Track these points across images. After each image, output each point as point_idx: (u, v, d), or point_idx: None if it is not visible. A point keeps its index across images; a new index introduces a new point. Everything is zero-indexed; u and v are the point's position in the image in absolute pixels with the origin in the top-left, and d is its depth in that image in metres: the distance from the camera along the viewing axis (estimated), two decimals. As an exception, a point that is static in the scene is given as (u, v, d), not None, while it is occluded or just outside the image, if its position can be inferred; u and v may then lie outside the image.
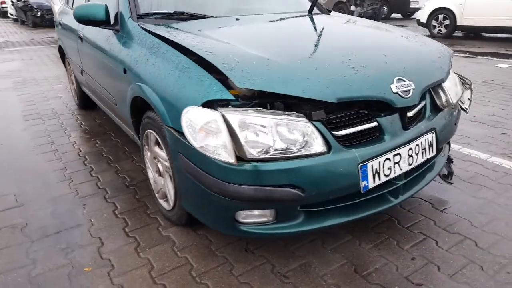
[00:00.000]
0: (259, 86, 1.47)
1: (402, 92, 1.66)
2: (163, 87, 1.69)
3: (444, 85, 1.94)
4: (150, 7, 2.34)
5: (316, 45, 1.88)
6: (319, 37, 2.03)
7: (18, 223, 2.13)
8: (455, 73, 2.30)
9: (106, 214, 2.18)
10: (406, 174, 1.77)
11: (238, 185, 1.43)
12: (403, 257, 1.79)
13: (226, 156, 1.38)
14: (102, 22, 2.31)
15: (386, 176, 1.63)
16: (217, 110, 1.40)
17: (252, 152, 1.40)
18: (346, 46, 1.88)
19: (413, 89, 1.70)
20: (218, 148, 1.38)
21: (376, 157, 1.58)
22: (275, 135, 1.45)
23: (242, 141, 1.39)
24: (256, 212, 1.58)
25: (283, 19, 2.42)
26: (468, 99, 2.28)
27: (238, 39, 1.89)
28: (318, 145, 1.49)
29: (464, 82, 2.30)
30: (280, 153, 1.45)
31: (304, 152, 1.47)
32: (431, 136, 1.80)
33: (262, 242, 1.90)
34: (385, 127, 1.65)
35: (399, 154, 1.66)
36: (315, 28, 2.25)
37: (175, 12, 2.29)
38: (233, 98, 1.46)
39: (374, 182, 1.59)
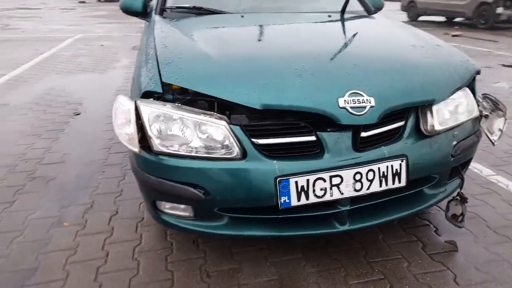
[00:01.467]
0: (181, 83, 1.50)
1: (352, 108, 1.47)
2: (135, 76, 1.84)
3: (435, 108, 1.64)
4: (178, 1, 2.51)
5: (282, 49, 1.79)
6: (298, 41, 1.93)
7: (49, 176, 2.58)
8: (486, 95, 1.90)
9: (112, 183, 2.48)
10: (358, 201, 1.57)
11: (148, 174, 1.50)
12: (340, 291, 1.61)
13: (132, 145, 1.46)
14: (140, 13, 2.58)
15: (318, 197, 1.49)
16: (132, 101, 1.48)
17: (158, 145, 1.45)
18: (317, 52, 1.75)
19: (371, 107, 1.49)
20: (128, 136, 1.47)
21: (303, 174, 1.45)
22: (193, 133, 1.47)
23: (150, 133, 1.45)
24: (182, 205, 1.62)
25: (293, 19, 2.34)
26: (500, 129, 1.86)
27: (211, 36, 1.93)
28: (232, 150, 1.45)
29: (497, 108, 1.88)
30: (194, 151, 1.46)
31: (217, 154, 1.45)
32: (398, 164, 1.55)
33: (212, 237, 1.93)
34: (326, 144, 1.49)
35: (339, 176, 1.48)
36: (310, 30, 2.13)
37: (194, 7, 2.41)
38: (161, 91, 1.53)
39: (298, 200, 1.47)
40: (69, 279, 1.68)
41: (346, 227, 1.60)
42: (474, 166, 2.69)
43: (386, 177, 1.54)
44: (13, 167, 2.69)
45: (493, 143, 1.88)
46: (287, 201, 1.46)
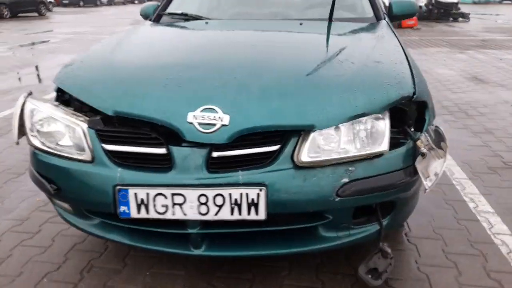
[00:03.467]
0: (62, 85, 1.61)
1: (200, 124, 1.36)
2: None
3: (313, 135, 1.37)
4: (178, 7, 2.62)
5: (181, 58, 1.77)
6: (210, 51, 1.86)
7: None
8: (437, 128, 1.50)
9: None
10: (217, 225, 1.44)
11: (30, 165, 1.65)
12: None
13: (14, 135, 1.61)
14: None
15: (159, 213, 1.41)
16: (23, 97, 1.62)
17: (31, 139, 1.57)
18: (208, 63, 1.68)
19: (223, 125, 1.35)
20: (14, 128, 1.63)
21: (144, 186, 1.40)
22: (64, 133, 1.55)
23: (26, 127, 1.57)
24: None
25: (256, 27, 2.25)
26: (436, 173, 1.44)
27: (139, 42, 2.00)
28: (84, 152, 1.49)
29: (438, 146, 1.45)
30: (59, 150, 1.54)
31: (73, 155, 1.51)
32: (255, 193, 1.36)
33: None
34: (175, 159, 1.41)
35: (182, 195, 1.38)
36: (244, 40, 2.03)
37: (181, 13, 2.48)
38: (55, 91, 1.67)
39: (139, 213, 1.43)
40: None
41: (200, 252, 1.49)
42: (487, 217, 2.10)
43: (239, 206, 1.37)
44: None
45: (425, 190, 1.46)
46: (126, 211, 1.43)
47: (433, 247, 1.87)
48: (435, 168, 1.45)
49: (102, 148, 1.47)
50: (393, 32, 2.09)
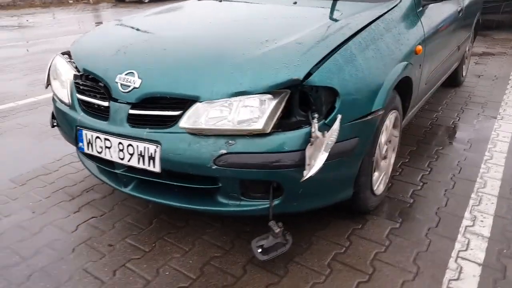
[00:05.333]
0: (71, 49, 2.26)
1: (122, 85, 1.78)
2: None
3: (196, 105, 1.63)
4: None
5: (155, 33, 2.22)
6: (185, 26, 2.26)
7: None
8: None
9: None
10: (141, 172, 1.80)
11: None
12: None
13: (45, 82, 2.29)
14: None
15: (98, 152, 1.87)
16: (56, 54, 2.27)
17: (51, 85, 2.24)
18: (170, 37, 2.08)
19: (135, 88, 1.74)
20: (45, 76, 2.28)
21: (90, 129, 1.89)
22: (65, 83, 2.15)
23: (50, 77, 2.23)
24: None
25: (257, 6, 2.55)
26: (315, 163, 1.50)
27: (155, 15, 2.67)
28: (68, 98, 2.08)
29: (323, 135, 1.53)
30: (60, 95, 2.17)
31: (64, 100, 2.12)
32: (153, 149, 1.69)
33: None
34: (111, 111, 1.82)
35: (109, 140, 1.81)
36: (226, 17, 2.37)
37: None
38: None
39: (88, 149, 1.92)
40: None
41: (126, 190, 1.92)
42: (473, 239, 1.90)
43: (143, 157, 1.72)
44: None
45: (301, 178, 1.53)
46: (82, 146, 1.96)
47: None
48: (315, 157, 1.47)
49: (76, 96, 2.03)
50: (381, 14, 2.09)
